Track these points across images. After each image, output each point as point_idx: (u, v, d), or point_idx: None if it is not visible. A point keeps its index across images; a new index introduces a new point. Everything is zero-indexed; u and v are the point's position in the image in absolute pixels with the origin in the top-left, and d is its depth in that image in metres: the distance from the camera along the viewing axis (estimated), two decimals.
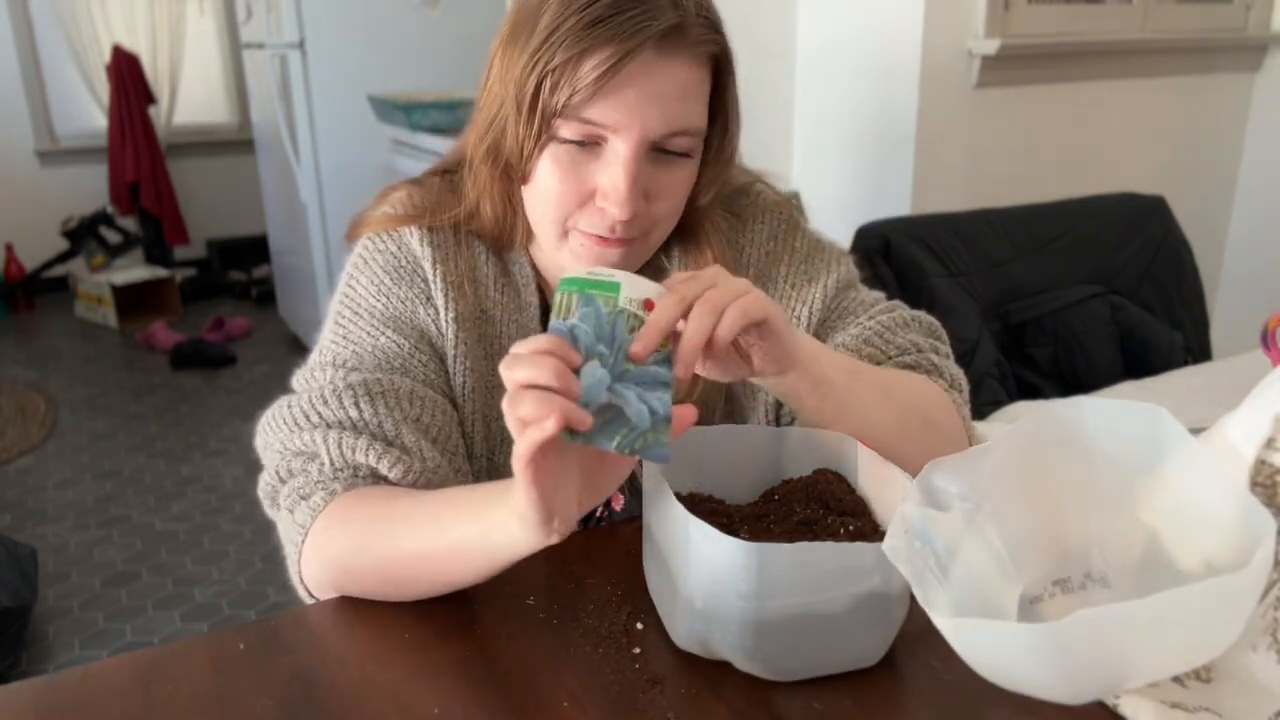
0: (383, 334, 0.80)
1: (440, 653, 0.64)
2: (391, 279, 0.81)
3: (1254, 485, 0.60)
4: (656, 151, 0.72)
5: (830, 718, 0.58)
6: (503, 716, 0.58)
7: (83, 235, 4.35)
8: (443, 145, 2.67)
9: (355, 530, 0.68)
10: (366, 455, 0.72)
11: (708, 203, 0.81)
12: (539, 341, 0.55)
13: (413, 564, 0.66)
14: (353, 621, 0.68)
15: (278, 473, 0.75)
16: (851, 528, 0.65)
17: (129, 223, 4.63)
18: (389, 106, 2.89)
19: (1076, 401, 0.62)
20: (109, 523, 2.56)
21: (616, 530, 0.80)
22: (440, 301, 0.81)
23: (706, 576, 0.58)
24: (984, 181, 2.24)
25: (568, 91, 0.68)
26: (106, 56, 4.50)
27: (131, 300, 4.30)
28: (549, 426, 0.51)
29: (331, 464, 0.72)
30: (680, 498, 0.68)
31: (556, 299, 0.59)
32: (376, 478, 0.73)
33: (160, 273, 4.43)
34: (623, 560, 0.74)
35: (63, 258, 4.42)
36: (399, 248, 0.82)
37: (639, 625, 0.66)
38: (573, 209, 0.73)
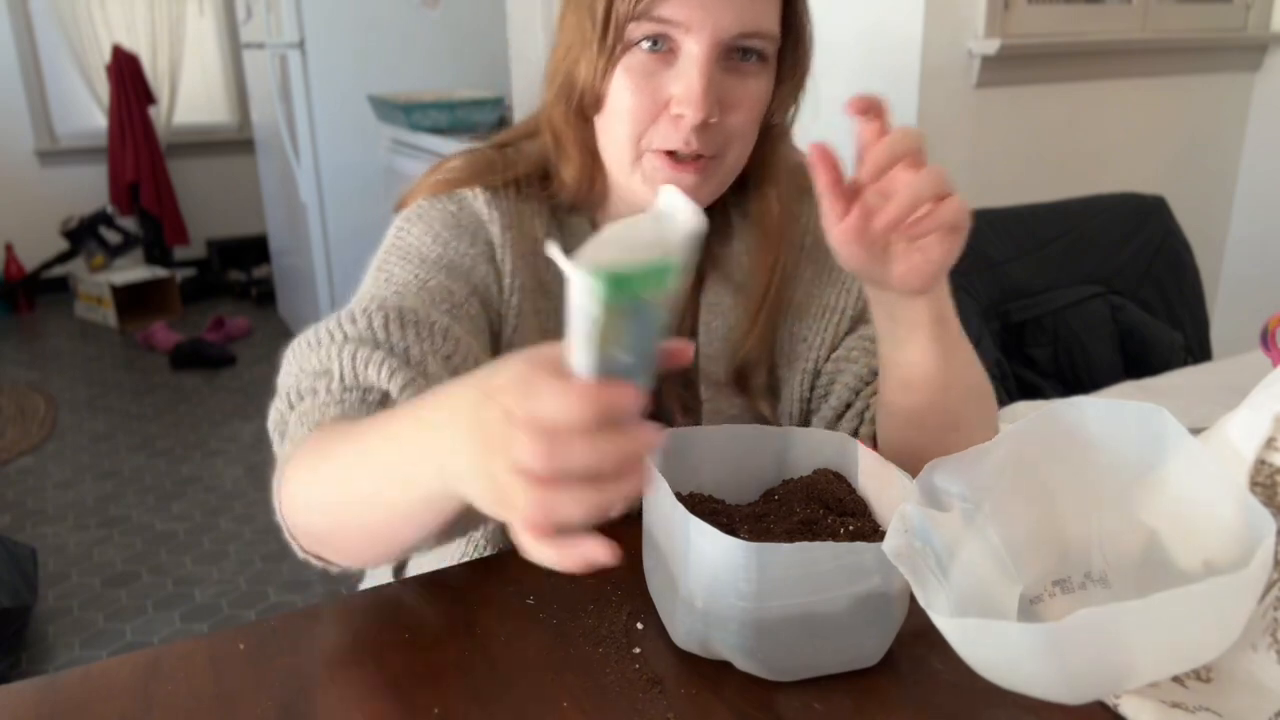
0: (433, 277, 0.74)
1: (440, 653, 0.64)
2: (451, 233, 0.77)
3: (1254, 485, 0.60)
4: (730, 60, 0.71)
5: (830, 718, 0.58)
6: (502, 717, 0.58)
7: (83, 235, 4.35)
8: (443, 145, 2.67)
9: (307, 463, 0.61)
10: (379, 372, 0.65)
11: (784, 130, 0.79)
12: (582, 406, 0.38)
13: (345, 504, 0.58)
14: (353, 622, 0.68)
15: (288, 396, 0.68)
16: (851, 528, 0.65)
17: (129, 223, 4.63)
18: (389, 106, 2.89)
19: (1076, 401, 0.62)
20: (109, 523, 2.56)
21: (617, 530, 0.80)
22: (508, 267, 0.78)
23: (706, 576, 0.58)
24: (984, 181, 2.24)
25: None
26: (106, 56, 4.50)
27: (131, 300, 4.30)
28: (602, 558, 0.41)
29: (341, 381, 0.66)
30: (680, 498, 0.68)
31: (594, 311, 0.38)
32: (386, 403, 0.66)
33: (160, 273, 4.43)
34: (623, 560, 0.74)
35: (63, 258, 4.42)
36: (459, 208, 0.79)
37: (639, 625, 0.66)
38: (647, 124, 0.72)
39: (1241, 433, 0.61)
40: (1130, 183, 2.09)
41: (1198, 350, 1.80)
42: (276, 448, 0.68)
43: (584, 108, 0.75)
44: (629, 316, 0.39)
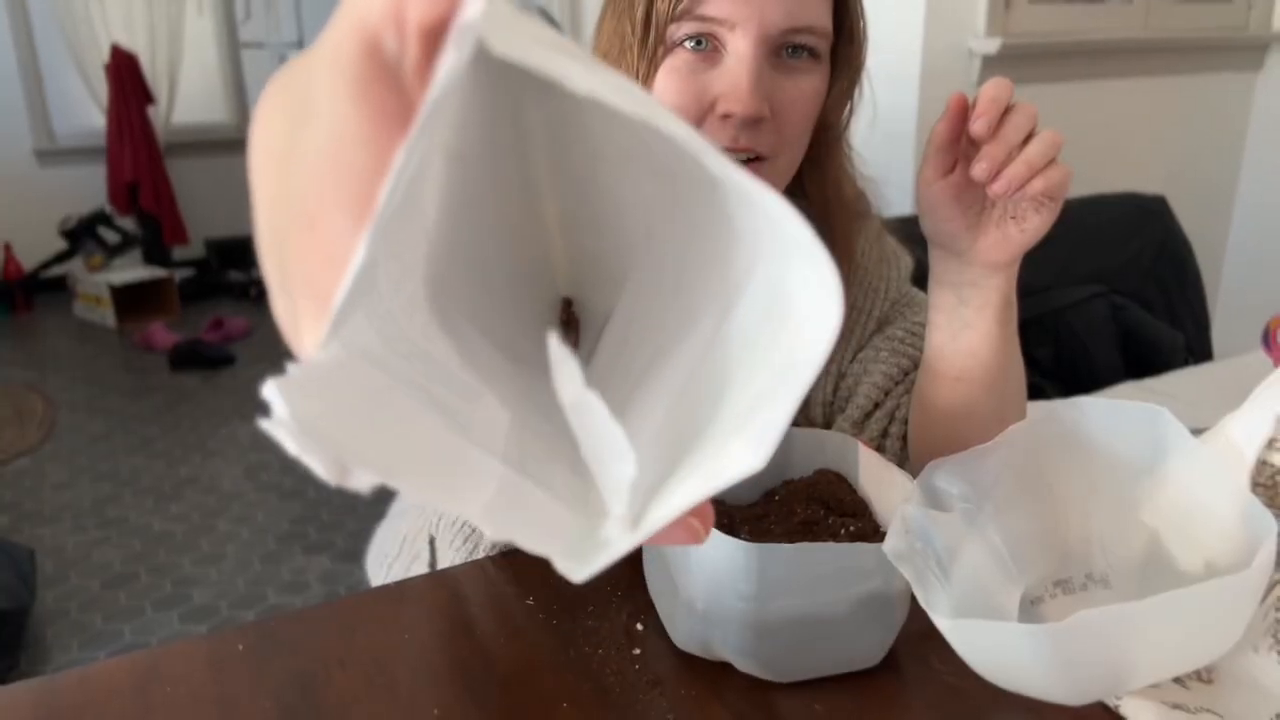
0: None
1: (439, 653, 0.63)
2: None
3: (1255, 486, 0.60)
4: (779, 57, 0.69)
5: (831, 719, 0.57)
6: (502, 717, 0.57)
7: (81, 235, 4.35)
8: None
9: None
10: None
11: (839, 135, 0.76)
12: None
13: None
14: (352, 622, 0.67)
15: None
16: (852, 528, 0.65)
17: (127, 222, 4.63)
18: None
19: (1077, 402, 0.62)
20: (107, 524, 2.56)
21: None
22: None
23: (707, 577, 0.57)
24: None
25: None
26: (105, 56, 4.50)
27: (130, 300, 4.30)
28: None
29: None
30: None
31: None
32: None
33: (159, 273, 4.43)
34: (623, 561, 0.74)
35: (61, 258, 4.42)
36: None
37: (639, 626, 0.66)
38: (693, 124, 0.69)
39: (1243, 433, 0.61)
40: (1131, 182, 2.09)
41: (1199, 350, 1.80)
42: None
43: None
44: None
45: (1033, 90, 2.26)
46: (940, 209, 0.64)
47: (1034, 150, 0.59)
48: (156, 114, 4.70)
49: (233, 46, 4.84)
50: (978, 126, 0.59)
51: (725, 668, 0.61)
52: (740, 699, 0.59)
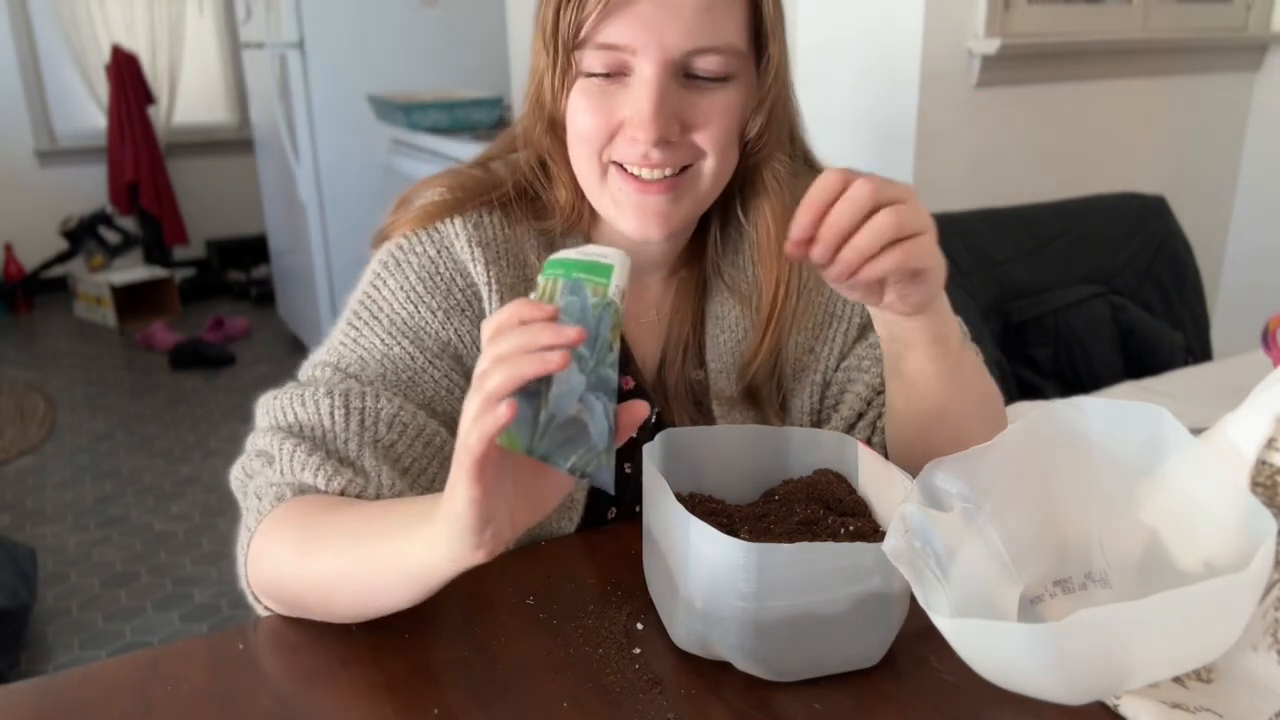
0: (398, 343, 0.74)
1: (440, 653, 0.64)
2: (425, 286, 0.76)
3: (1254, 485, 0.60)
4: (690, 78, 0.70)
5: (830, 718, 0.58)
6: (502, 717, 0.58)
7: (82, 235, 4.35)
8: (442, 145, 2.67)
9: (288, 542, 0.65)
10: (315, 476, 0.67)
11: (765, 143, 0.76)
12: (519, 309, 0.50)
13: (333, 582, 0.63)
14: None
15: (244, 468, 0.73)
16: (852, 528, 0.65)
17: (128, 223, 4.63)
18: (388, 106, 2.89)
19: (1077, 401, 0.62)
20: (108, 523, 2.56)
21: (616, 530, 0.80)
22: (494, 304, 0.76)
23: (706, 577, 0.57)
24: (984, 181, 2.24)
25: (579, 13, 0.67)
26: (106, 56, 4.50)
27: (131, 300, 4.30)
28: (503, 414, 0.47)
29: (281, 474, 0.69)
30: (680, 498, 0.68)
31: (539, 283, 0.54)
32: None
33: (159, 273, 4.43)
34: (623, 560, 0.74)
35: (62, 258, 4.42)
36: (438, 251, 0.76)
37: (639, 625, 0.66)
38: (604, 141, 0.71)
39: (1242, 433, 0.61)
40: (1130, 182, 2.09)
41: (1198, 350, 1.80)
42: (240, 502, 0.72)
43: (556, 130, 0.75)
44: (565, 292, 0.52)
45: (1032, 90, 2.26)
46: (834, 286, 0.65)
47: (860, 240, 0.59)
48: (157, 114, 4.71)
49: (233, 46, 4.84)
50: (794, 232, 0.60)
51: (725, 667, 0.61)
52: (740, 698, 0.59)
